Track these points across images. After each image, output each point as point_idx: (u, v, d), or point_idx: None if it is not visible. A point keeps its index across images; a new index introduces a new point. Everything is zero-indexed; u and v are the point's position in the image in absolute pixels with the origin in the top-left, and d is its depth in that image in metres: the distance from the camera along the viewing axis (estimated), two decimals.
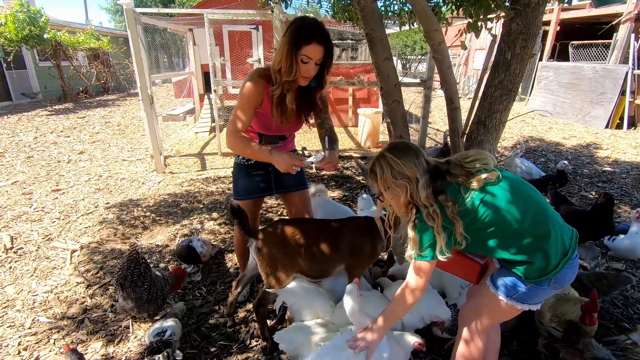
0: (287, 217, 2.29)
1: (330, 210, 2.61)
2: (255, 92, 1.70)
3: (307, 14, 5.09)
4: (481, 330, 1.42)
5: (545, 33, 9.87)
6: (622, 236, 2.58)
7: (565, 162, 3.41)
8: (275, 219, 3.42)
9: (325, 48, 1.58)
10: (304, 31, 1.54)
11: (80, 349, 1.96)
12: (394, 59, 2.60)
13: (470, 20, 2.16)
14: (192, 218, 3.47)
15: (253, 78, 1.70)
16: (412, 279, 1.36)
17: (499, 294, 1.33)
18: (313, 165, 1.69)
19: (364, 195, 3.05)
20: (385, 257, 2.63)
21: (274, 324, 2.12)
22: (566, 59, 9.74)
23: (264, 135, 1.88)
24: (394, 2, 2.82)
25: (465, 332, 1.47)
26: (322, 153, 1.75)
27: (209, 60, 5.07)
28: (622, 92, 7.45)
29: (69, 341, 2.01)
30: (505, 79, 2.12)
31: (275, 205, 3.71)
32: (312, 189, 2.84)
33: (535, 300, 1.32)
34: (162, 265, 2.75)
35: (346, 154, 5.65)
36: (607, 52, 8.36)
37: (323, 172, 4.78)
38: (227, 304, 2.11)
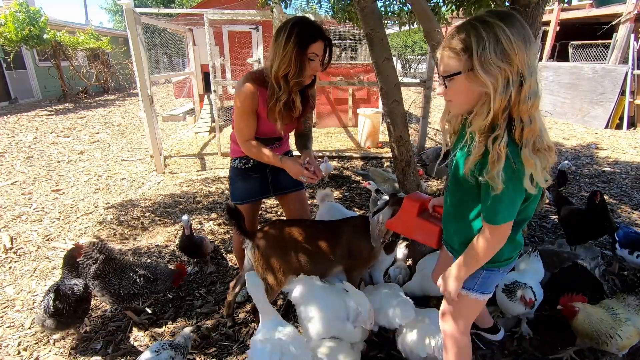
0: (284, 218, 2.29)
1: (337, 216, 2.59)
2: (250, 99, 1.71)
3: (306, 14, 5.11)
4: (461, 332, 1.39)
5: (545, 33, 9.86)
6: None
7: (568, 162, 3.39)
8: (274, 219, 3.42)
9: (326, 43, 1.64)
10: (310, 30, 1.59)
11: (79, 349, 1.96)
12: (394, 59, 2.60)
13: None
14: (191, 218, 3.47)
15: (245, 84, 1.70)
16: (488, 236, 1.09)
17: (461, 289, 1.29)
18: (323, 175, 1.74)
19: (382, 197, 3.04)
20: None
21: None
22: (566, 59, 9.75)
23: (259, 138, 1.87)
24: (394, 2, 2.82)
25: (446, 338, 1.44)
26: (319, 160, 1.82)
27: (209, 60, 5.07)
28: (622, 92, 7.45)
29: (69, 341, 2.01)
30: None
31: (274, 206, 3.71)
32: (319, 194, 2.83)
33: (491, 288, 1.30)
34: (161, 264, 2.75)
35: (346, 154, 5.64)
36: (607, 52, 8.36)
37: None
38: (226, 305, 2.12)
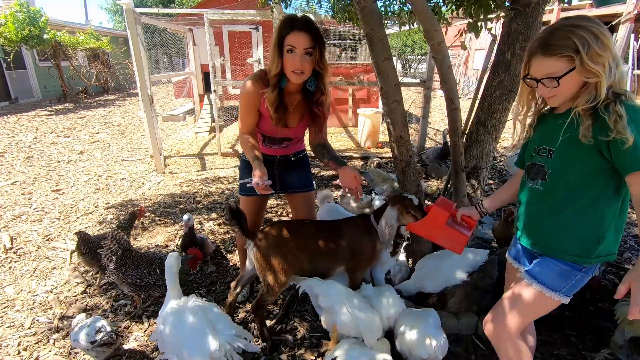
0: (285, 218, 2.29)
1: (337, 217, 2.59)
2: (251, 96, 1.72)
3: (306, 14, 5.09)
4: (516, 332, 1.34)
5: None
6: None
7: None
8: (275, 219, 3.42)
9: (311, 36, 1.56)
10: (286, 22, 1.56)
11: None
12: (394, 59, 2.59)
13: (470, 20, 2.16)
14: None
15: (249, 81, 1.72)
16: None
17: (545, 289, 1.25)
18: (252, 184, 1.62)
19: (376, 199, 3.08)
20: None
21: (273, 323, 2.12)
22: None
23: (267, 136, 1.89)
24: (394, 2, 2.81)
25: (501, 341, 1.37)
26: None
27: (209, 60, 5.07)
28: None
29: (69, 341, 2.01)
30: (505, 79, 2.12)
31: (274, 206, 3.71)
32: (319, 195, 2.82)
33: (576, 289, 1.27)
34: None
35: (346, 154, 5.64)
36: None
37: (322, 173, 4.77)
38: (226, 305, 2.12)
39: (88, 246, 2.35)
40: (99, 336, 1.74)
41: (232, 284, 2.11)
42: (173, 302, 1.69)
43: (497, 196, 1.58)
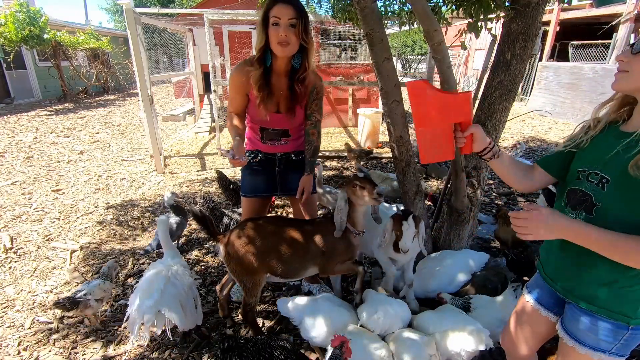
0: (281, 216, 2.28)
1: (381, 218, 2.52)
2: (237, 78, 1.74)
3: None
4: None
5: (545, 33, 9.87)
6: None
7: None
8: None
9: (294, 8, 1.59)
10: None
11: (79, 349, 1.96)
12: (394, 59, 2.59)
13: (470, 20, 2.16)
14: (190, 219, 3.47)
15: (238, 64, 1.75)
16: None
17: (594, 353, 1.01)
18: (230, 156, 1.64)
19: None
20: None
21: (273, 324, 2.12)
22: (566, 59, 9.75)
23: (264, 130, 1.88)
24: (394, 2, 2.81)
25: None
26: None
27: (209, 60, 5.07)
28: None
29: (69, 342, 2.01)
30: (505, 79, 2.12)
31: (275, 206, 3.71)
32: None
33: (630, 350, 1.01)
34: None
35: (346, 154, 5.63)
36: (607, 52, 8.36)
37: (322, 173, 4.77)
38: (219, 307, 2.13)
39: (222, 182, 3.31)
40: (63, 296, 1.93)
41: (217, 288, 2.12)
42: (165, 261, 1.90)
43: (510, 163, 1.21)
